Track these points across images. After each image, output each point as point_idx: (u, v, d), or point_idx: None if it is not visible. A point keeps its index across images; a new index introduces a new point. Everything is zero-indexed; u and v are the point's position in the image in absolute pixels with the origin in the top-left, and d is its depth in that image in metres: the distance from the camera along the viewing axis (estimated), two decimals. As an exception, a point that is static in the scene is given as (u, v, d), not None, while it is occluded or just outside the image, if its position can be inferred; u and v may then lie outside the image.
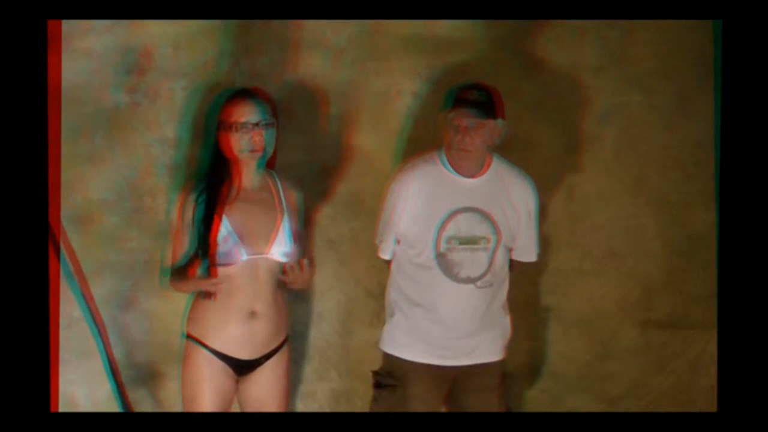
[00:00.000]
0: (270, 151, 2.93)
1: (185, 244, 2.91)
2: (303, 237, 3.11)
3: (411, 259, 3.04)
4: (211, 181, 2.92)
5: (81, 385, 3.20)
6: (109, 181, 3.17)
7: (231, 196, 2.92)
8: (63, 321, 3.14)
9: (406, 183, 3.03)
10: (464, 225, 3.00)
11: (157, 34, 3.16)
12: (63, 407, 3.16)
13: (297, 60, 3.29)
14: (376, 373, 3.11)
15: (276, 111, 2.97)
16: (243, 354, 2.93)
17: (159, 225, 3.18)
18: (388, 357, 3.10)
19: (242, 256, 2.89)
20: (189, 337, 2.95)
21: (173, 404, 3.22)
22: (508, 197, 3.05)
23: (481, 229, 3.01)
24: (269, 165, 3.00)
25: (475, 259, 3.02)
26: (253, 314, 2.91)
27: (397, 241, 3.09)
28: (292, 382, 3.27)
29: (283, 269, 2.90)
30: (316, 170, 3.33)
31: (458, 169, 3.02)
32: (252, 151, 2.89)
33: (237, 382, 2.96)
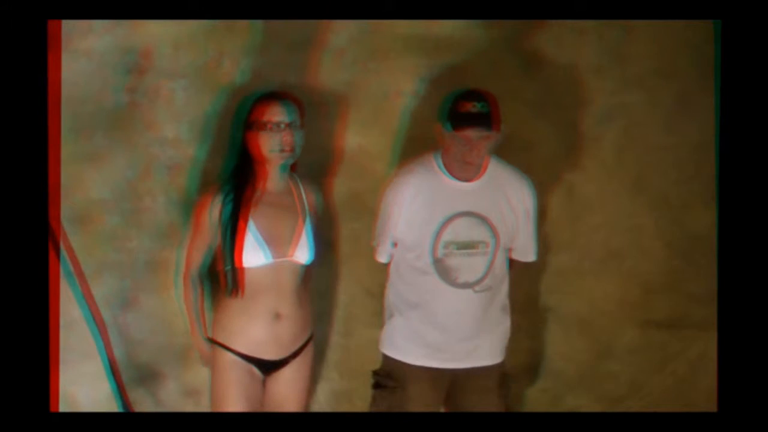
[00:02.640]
0: (298, 152, 2.94)
1: (205, 246, 2.93)
2: (327, 238, 3.13)
3: (409, 262, 3.04)
4: (237, 182, 2.92)
5: (81, 385, 3.19)
6: (109, 181, 3.16)
7: (255, 198, 2.93)
8: (63, 321, 3.14)
9: (401, 188, 3.02)
10: (462, 230, 2.99)
11: (157, 34, 3.16)
12: (63, 407, 3.16)
13: (297, 60, 3.29)
14: (376, 373, 3.11)
15: (304, 114, 2.98)
16: (269, 355, 2.95)
17: (159, 225, 3.18)
18: (387, 359, 3.11)
19: (266, 259, 2.89)
20: (214, 342, 2.96)
21: (173, 404, 3.23)
22: (506, 198, 3.04)
23: (479, 234, 3.00)
24: (291, 168, 3.01)
25: (473, 263, 3.01)
26: (278, 316, 2.92)
27: (395, 245, 3.08)
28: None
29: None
30: (316, 170, 3.33)
31: (455, 174, 3.01)
32: (282, 151, 2.89)
33: (264, 382, 2.97)
